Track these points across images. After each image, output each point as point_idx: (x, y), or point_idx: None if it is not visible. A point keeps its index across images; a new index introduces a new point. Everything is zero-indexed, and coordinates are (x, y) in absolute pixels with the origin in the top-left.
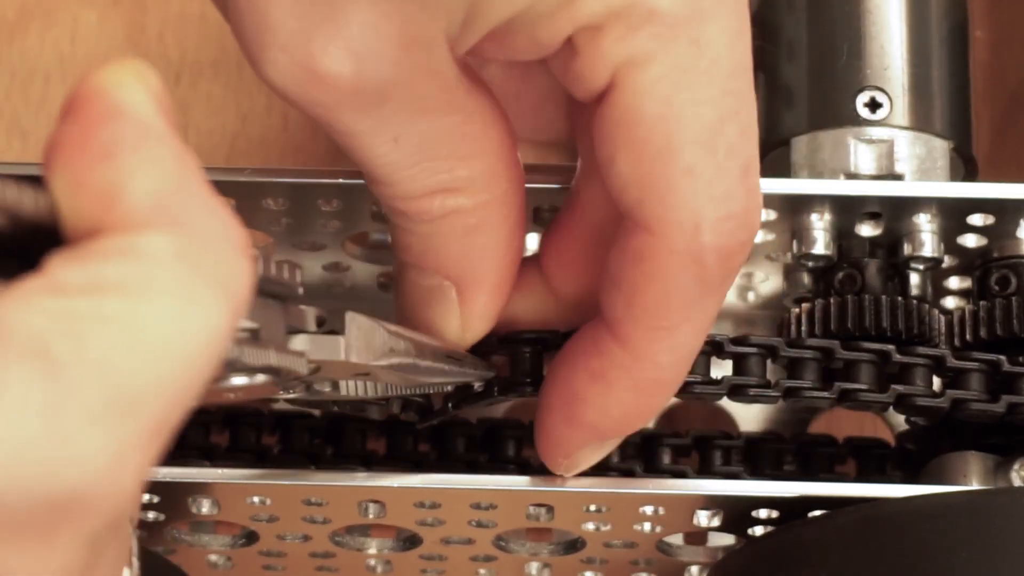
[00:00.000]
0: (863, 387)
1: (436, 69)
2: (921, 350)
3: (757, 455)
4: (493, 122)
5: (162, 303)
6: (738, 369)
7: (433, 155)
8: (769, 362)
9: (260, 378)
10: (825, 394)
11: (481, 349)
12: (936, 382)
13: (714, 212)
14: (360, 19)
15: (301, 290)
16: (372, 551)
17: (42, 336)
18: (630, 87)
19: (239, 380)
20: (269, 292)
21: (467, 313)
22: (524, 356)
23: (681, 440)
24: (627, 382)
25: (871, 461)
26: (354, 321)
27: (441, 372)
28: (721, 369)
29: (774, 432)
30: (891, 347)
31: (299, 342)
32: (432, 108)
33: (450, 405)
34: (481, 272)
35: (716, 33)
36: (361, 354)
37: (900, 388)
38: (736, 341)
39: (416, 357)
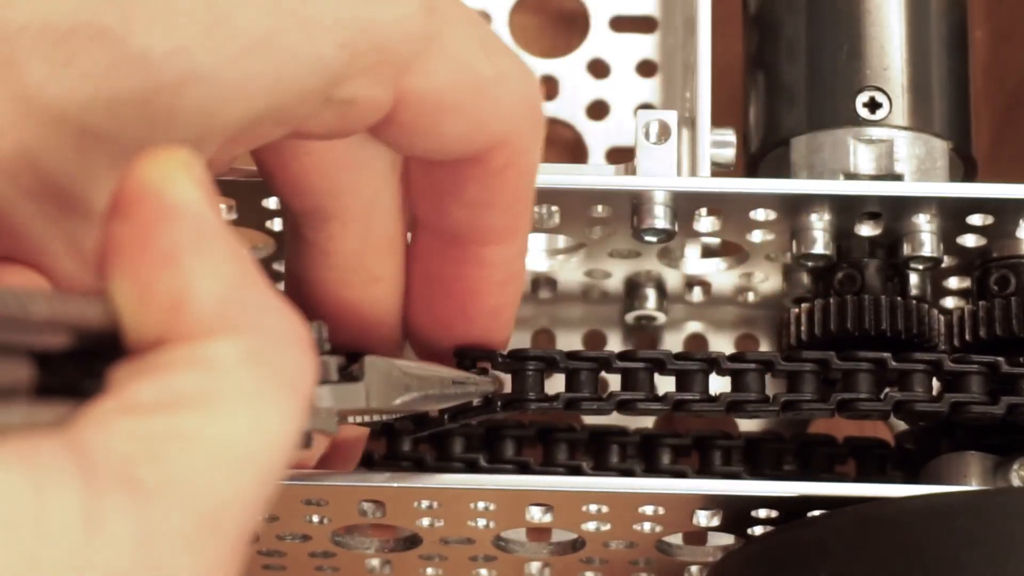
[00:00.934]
0: (861, 396)
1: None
2: (918, 356)
3: (757, 455)
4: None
5: (236, 414)
6: (736, 385)
7: None
8: (767, 376)
9: None
10: (823, 405)
11: (484, 364)
12: (935, 384)
13: (529, 80)
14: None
15: (328, 346)
16: (372, 551)
17: (127, 462)
18: (421, 81)
19: None
20: None
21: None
22: (527, 373)
23: (681, 440)
24: (523, 258)
25: (871, 461)
26: (372, 365)
27: (448, 397)
28: (719, 384)
29: (774, 432)
30: (887, 354)
31: (324, 394)
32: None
33: (446, 417)
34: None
35: (449, 22)
36: (380, 398)
37: (898, 395)
38: (733, 358)
39: (428, 389)
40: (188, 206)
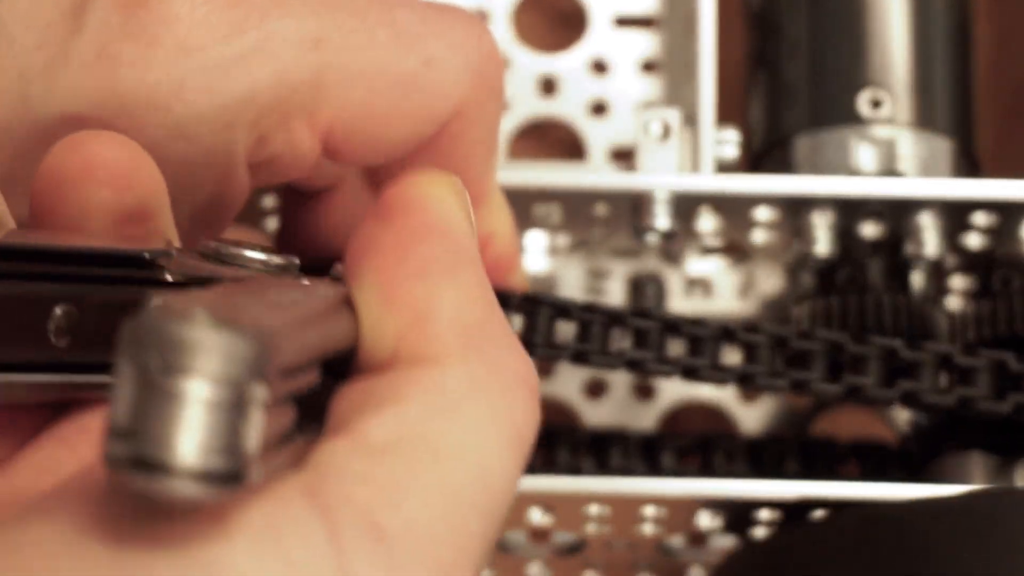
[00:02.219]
0: (870, 381)
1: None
2: (929, 345)
3: (759, 457)
4: None
5: (469, 457)
6: (748, 357)
7: None
8: (778, 357)
9: None
10: (833, 387)
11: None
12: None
13: (474, 47)
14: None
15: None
16: None
17: (370, 510)
18: (334, 114)
19: None
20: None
21: None
22: (538, 319)
23: (682, 442)
24: (501, 208)
25: (872, 463)
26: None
27: None
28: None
29: (775, 435)
30: (899, 342)
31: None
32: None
33: None
34: None
35: (345, 44)
36: None
37: (907, 384)
38: (748, 328)
39: None
40: (453, 228)
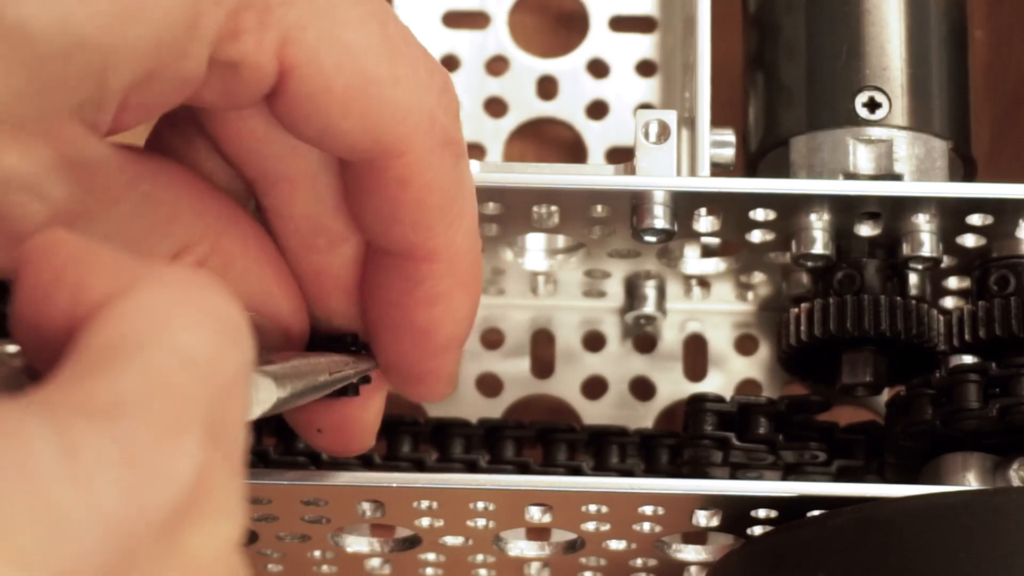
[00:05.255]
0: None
1: (97, 158)
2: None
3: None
4: (176, 173)
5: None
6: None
7: (148, 228)
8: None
9: None
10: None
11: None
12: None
13: (434, 94)
14: (14, 155)
15: None
16: (372, 551)
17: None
18: (304, 56)
19: None
20: None
21: (286, 324)
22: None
23: (680, 440)
24: (457, 281)
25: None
26: None
27: (326, 385)
28: None
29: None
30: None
31: None
32: (116, 193)
33: None
34: (267, 293)
35: (343, 4)
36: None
37: None
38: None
39: (303, 384)
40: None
